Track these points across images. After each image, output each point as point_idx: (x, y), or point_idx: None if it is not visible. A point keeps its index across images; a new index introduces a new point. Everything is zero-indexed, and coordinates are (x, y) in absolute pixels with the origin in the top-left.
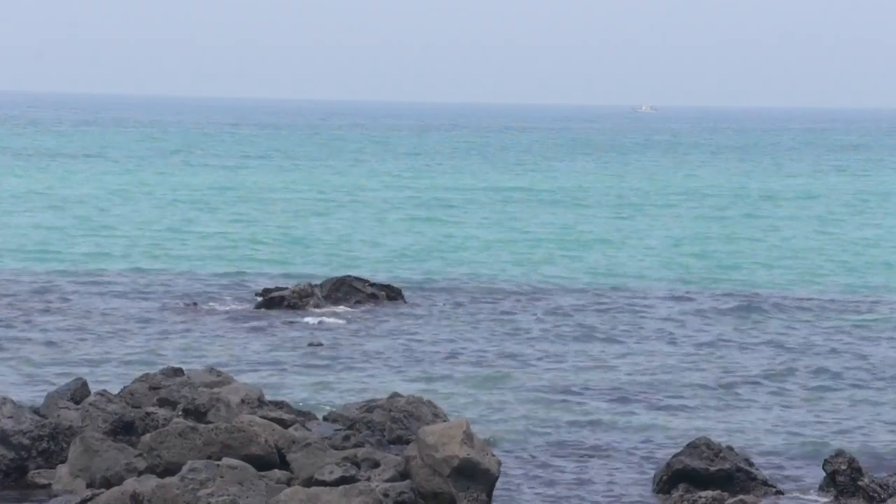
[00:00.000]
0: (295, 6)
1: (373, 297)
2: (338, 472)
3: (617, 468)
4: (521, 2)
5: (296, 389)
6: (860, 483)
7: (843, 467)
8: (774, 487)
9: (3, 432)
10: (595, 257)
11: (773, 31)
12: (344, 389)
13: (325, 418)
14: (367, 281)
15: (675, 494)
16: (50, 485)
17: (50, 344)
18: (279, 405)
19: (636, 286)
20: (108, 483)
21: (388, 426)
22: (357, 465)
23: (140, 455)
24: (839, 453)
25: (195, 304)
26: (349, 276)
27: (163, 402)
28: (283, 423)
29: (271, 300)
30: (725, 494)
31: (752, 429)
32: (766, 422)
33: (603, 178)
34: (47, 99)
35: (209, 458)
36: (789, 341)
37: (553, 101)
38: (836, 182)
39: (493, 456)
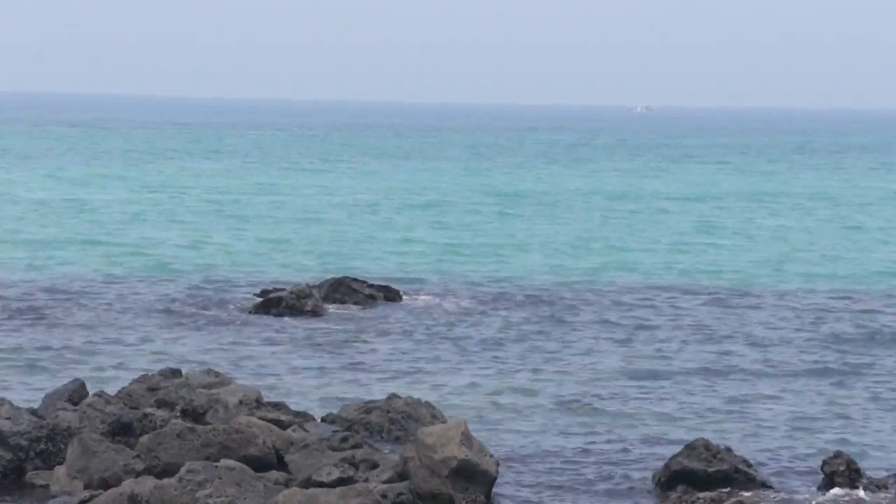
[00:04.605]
0: (295, 6)
1: (371, 298)
2: (336, 474)
3: (615, 469)
4: (521, 2)
5: (294, 390)
6: (858, 484)
7: (842, 468)
8: (773, 488)
9: (0, 433)
10: (598, 260)
11: (773, 31)
12: (342, 390)
13: (323, 419)
14: (365, 282)
15: (674, 495)
16: (48, 486)
17: (48, 345)
18: (277, 406)
19: (638, 287)
20: (105, 484)
21: (386, 427)
22: (355, 466)
23: (138, 456)
24: (838, 454)
25: (193, 305)
26: (347, 276)
27: (161, 404)
28: (281, 425)
29: (269, 301)
30: (724, 495)
31: (751, 430)
32: (765, 422)
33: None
34: (47, 99)
35: (207, 459)
36: (788, 342)
37: (553, 101)
38: None
39: (492, 457)
